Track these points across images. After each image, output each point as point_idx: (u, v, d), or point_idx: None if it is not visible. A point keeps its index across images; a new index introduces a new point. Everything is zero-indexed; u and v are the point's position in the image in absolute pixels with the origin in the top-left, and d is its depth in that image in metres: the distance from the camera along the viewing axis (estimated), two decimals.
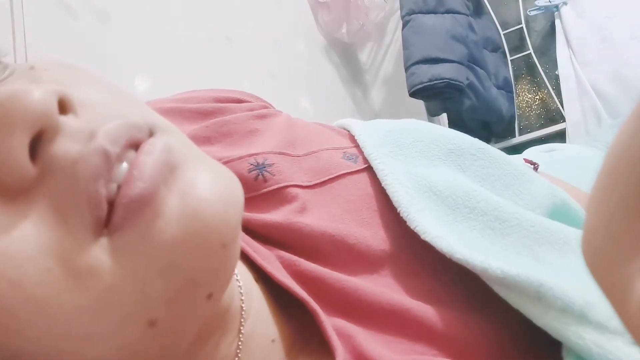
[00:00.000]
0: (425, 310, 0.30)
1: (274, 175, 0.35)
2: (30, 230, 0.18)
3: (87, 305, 0.18)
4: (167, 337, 0.21)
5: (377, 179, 0.36)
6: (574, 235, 0.32)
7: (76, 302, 0.18)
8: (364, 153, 0.38)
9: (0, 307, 0.17)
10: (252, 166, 0.35)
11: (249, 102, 0.42)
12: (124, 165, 0.20)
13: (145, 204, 0.19)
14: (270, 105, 0.45)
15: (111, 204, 0.19)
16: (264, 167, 0.36)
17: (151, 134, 0.21)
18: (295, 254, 0.32)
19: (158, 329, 0.20)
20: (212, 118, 0.39)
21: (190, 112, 0.39)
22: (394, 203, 0.33)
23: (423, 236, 0.31)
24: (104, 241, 0.19)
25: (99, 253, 0.19)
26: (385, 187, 0.34)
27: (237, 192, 0.23)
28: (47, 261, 0.18)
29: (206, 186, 0.21)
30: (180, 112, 0.38)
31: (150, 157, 0.20)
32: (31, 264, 0.18)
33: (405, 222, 0.32)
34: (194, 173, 0.21)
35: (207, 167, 0.22)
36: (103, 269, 0.19)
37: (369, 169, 0.37)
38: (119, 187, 0.19)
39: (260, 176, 0.35)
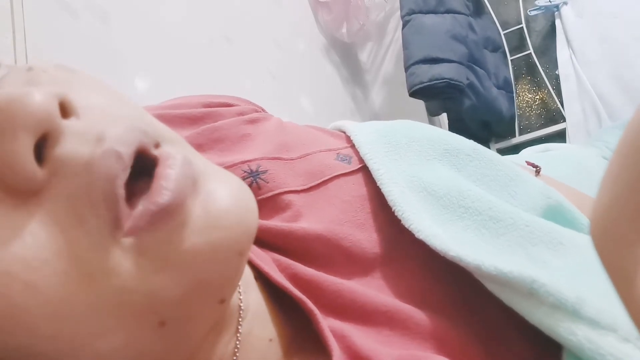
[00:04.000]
0: (418, 311, 0.30)
1: (267, 182, 0.35)
2: (44, 232, 0.18)
3: (100, 306, 0.19)
4: (175, 337, 0.22)
5: (372, 179, 0.36)
6: (568, 235, 0.32)
7: (90, 302, 0.19)
8: (360, 153, 0.38)
9: (16, 308, 0.18)
10: (245, 173, 0.35)
11: (239, 105, 0.42)
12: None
13: (173, 212, 0.20)
14: (262, 108, 0.44)
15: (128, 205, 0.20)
16: (258, 175, 0.35)
17: (156, 140, 0.22)
18: (290, 257, 0.32)
19: (167, 329, 0.21)
20: (201, 123, 0.39)
21: (179, 118, 0.38)
22: (389, 202, 0.33)
23: (417, 234, 0.31)
24: (124, 243, 0.19)
25: (119, 255, 0.19)
26: (381, 187, 0.34)
27: (252, 202, 0.24)
28: (62, 264, 0.18)
29: (226, 197, 0.22)
30: (169, 119, 0.38)
31: (173, 169, 0.21)
32: (47, 267, 0.18)
33: (400, 221, 0.32)
34: (214, 185, 0.22)
35: (223, 178, 0.23)
36: (121, 270, 0.19)
37: (364, 170, 0.37)
38: (147, 195, 0.20)
39: (255, 184, 0.35)
